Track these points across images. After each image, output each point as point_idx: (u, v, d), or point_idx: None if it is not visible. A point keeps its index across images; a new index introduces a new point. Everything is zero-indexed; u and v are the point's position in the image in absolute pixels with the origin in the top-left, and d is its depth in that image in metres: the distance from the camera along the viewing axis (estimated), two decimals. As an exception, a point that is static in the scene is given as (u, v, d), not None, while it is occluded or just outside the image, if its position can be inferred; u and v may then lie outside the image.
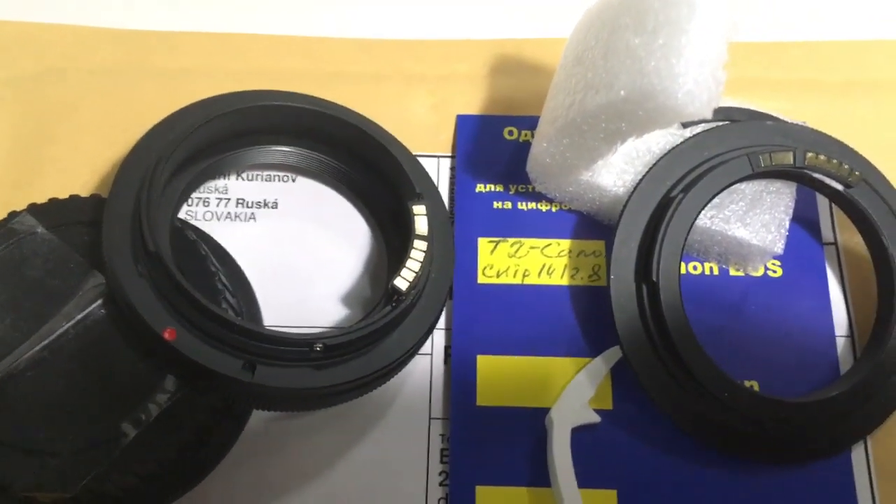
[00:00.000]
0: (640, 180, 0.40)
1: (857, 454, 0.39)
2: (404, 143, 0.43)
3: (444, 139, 0.45)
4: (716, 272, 0.42)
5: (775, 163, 0.39)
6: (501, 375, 0.40)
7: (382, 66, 0.47)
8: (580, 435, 0.39)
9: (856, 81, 0.47)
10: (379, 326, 0.36)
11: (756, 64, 0.47)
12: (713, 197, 0.39)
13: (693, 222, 0.38)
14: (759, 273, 0.42)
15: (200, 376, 0.34)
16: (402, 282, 0.37)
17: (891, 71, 0.48)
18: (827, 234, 0.43)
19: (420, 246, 0.38)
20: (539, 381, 0.40)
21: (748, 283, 0.42)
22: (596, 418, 0.39)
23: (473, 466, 0.38)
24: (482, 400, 0.40)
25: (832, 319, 0.42)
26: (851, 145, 0.44)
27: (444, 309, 0.41)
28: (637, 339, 0.38)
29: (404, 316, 0.38)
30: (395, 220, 0.42)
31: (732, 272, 0.42)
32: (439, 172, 0.45)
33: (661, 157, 0.40)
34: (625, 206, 0.39)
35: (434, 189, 0.42)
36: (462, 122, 0.46)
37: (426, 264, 0.38)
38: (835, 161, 0.39)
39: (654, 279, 0.38)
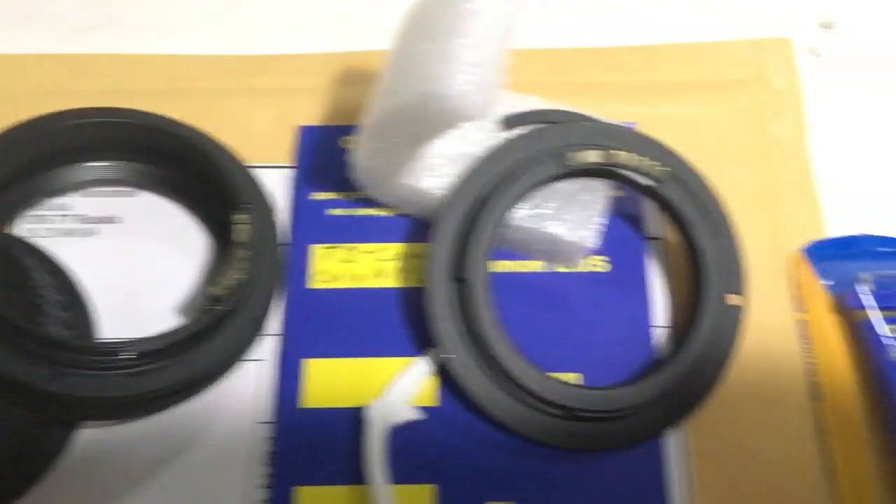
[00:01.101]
0: (456, 182, 0.41)
1: (676, 439, 0.40)
2: (247, 156, 0.45)
3: (286, 150, 0.47)
4: (541, 269, 0.44)
5: (583, 161, 0.40)
6: (329, 378, 0.41)
7: (227, 82, 0.48)
8: (404, 432, 0.40)
9: (684, 82, 0.49)
10: (192, 332, 0.37)
11: (590, 68, 0.49)
12: (523, 195, 0.40)
13: (500, 220, 0.40)
14: (586, 269, 0.44)
15: (8, 387, 0.35)
16: (216, 289, 0.38)
17: (715, 72, 0.49)
18: (656, 229, 0.45)
19: (239, 254, 0.39)
20: (367, 381, 0.41)
21: (574, 278, 0.43)
22: (416, 415, 0.40)
23: (295, 468, 0.39)
24: (307, 402, 0.41)
25: (653, 312, 0.43)
26: (677, 143, 0.46)
27: (279, 315, 0.42)
28: (453, 337, 0.40)
29: (224, 322, 0.39)
30: (226, 229, 0.43)
31: (558, 268, 0.44)
32: (280, 183, 0.46)
33: (480, 158, 0.41)
34: (441, 208, 0.41)
35: (264, 198, 0.43)
36: (303, 132, 0.47)
37: (243, 272, 0.39)
38: (642, 158, 0.40)
39: (464, 277, 0.39)
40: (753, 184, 0.46)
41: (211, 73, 0.49)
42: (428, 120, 0.35)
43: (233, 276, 0.39)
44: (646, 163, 0.40)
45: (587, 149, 0.40)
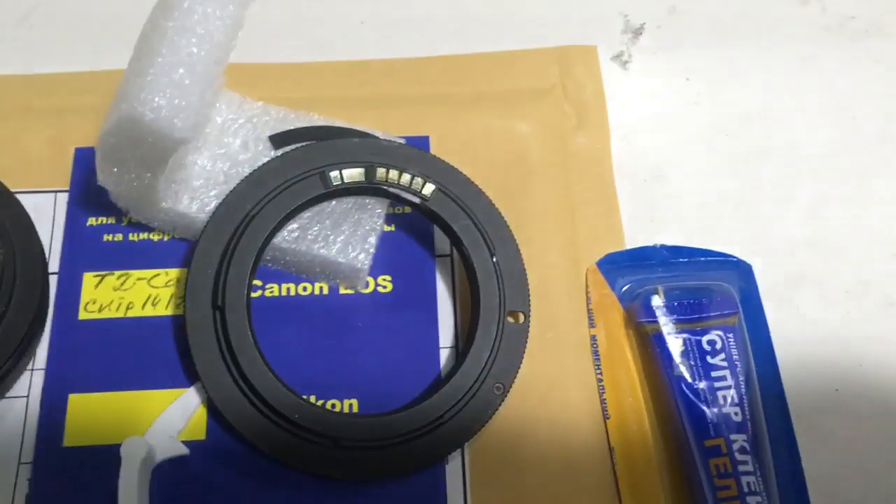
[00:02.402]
0: (220, 205, 0.39)
1: (454, 463, 0.39)
2: (22, 180, 0.43)
3: (62, 174, 0.44)
4: (326, 291, 0.42)
5: (347, 181, 0.39)
6: (95, 413, 0.39)
7: (2, 103, 0.46)
8: (169, 467, 0.38)
9: (484, 93, 0.47)
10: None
11: (385, 80, 0.48)
12: (287, 216, 0.39)
13: (263, 243, 0.38)
14: (370, 289, 0.42)
15: None
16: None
17: (516, 82, 0.48)
18: (443, 246, 0.43)
19: (-20, 286, 0.37)
20: (135, 416, 0.39)
21: (357, 300, 0.42)
22: (180, 450, 0.38)
23: (52, 510, 0.37)
24: (70, 440, 0.39)
25: (438, 331, 0.41)
26: (474, 156, 0.45)
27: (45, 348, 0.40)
28: (214, 367, 0.38)
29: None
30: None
31: (342, 290, 0.42)
32: (55, 208, 0.44)
33: (243, 180, 0.40)
34: (202, 232, 0.39)
35: (24, 226, 0.41)
36: (80, 154, 0.45)
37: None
38: (406, 175, 0.39)
39: (220, 304, 0.37)
40: (554, 196, 0.45)
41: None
42: (136, 140, 0.33)
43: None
44: (412, 180, 0.39)
45: (351, 166, 0.39)
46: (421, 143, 0.44)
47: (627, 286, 0.43)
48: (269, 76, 0.47)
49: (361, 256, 0.40)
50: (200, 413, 0.39)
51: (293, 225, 0.40)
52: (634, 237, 0.45)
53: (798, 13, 0.52)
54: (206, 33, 0.33)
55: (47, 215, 0.43)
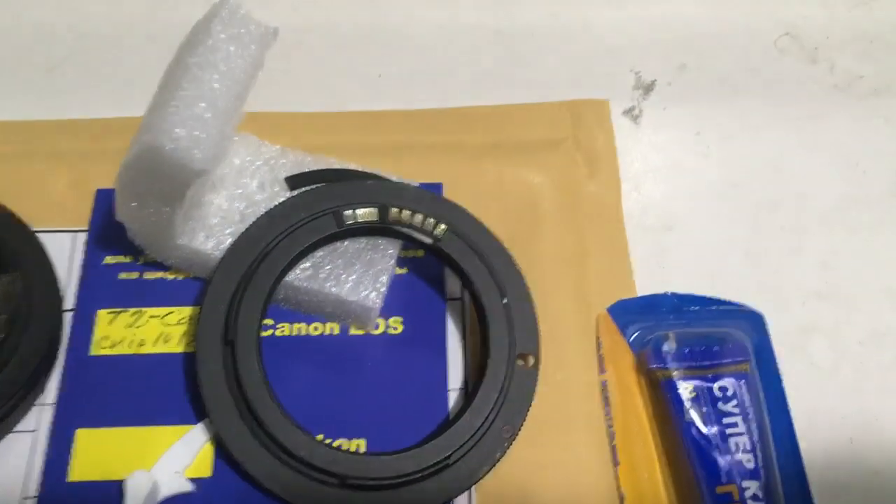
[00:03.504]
0: (235, 241, 0.40)
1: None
2: (44, 220, 0.44)
3: (82, 214, 0.45)
4: (336, 332, 0.42)
5: (360, 219, 0.39)
6: (102, 448, 0.39)
7: (24, 146, 0.47)
8: (175, 505, 0.38)
9: (497, 143, 0.48)
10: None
11: (401, 129, 0.48)
12: (300, 255, 0.39)
13: (276, 281, 0.39)
14: (380, 331, 0.42)
15: None
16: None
17: (529, 132, 0.49)
18: (455, 289, 0.44)
19: (-6, 316, 0.38)
20: (142, 451, 0.39)
21: (367, 341, 0.42)
22: (186, 486, 0.38)
23: (52, 546, 0.37)
24: (75, 475, 0.38)
25: (447, 373, 0.41)
26: (487, 203, 0.45)
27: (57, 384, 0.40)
28: (223, 403, 0.38)
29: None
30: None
31: (353, 331, 0.42)
32: (74, 246, 0.44)
33: (258, 219, 0.40)
34: (216, 269, 0.39)
35: (41, 262, 0.41)
36: (100, 196, 0.46)
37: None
38: (419, 215, 0.39)
39: (231, 339, 0.38)
40: (565, 243, 0.46)
41: (9, 139, 0.48)
42: (155, 171, 0.34)
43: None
44: (425, 221, 0.39)
45: (365, 206, 0.39)
46: (434, 190, 0.45)
47: (638, 332, 0.43)
48: (289, 124, 0.48)
49: (373, 296, 0.40)
50: (207, 450, 0.39)
51: (306, 263, 0.40)
52: (645, 285, 0.45)
53: (807, 71, 0.53)
54: (227, 70, 0.34)
55: (66, 253, 0.44)
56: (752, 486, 0.38)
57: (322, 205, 0.40)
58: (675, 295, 0.44)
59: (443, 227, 0.39)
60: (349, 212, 0.39)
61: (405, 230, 0.39)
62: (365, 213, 0.39)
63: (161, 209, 0.36)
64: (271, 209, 0.40)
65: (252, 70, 0.35)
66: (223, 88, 0.33)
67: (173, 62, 0.34)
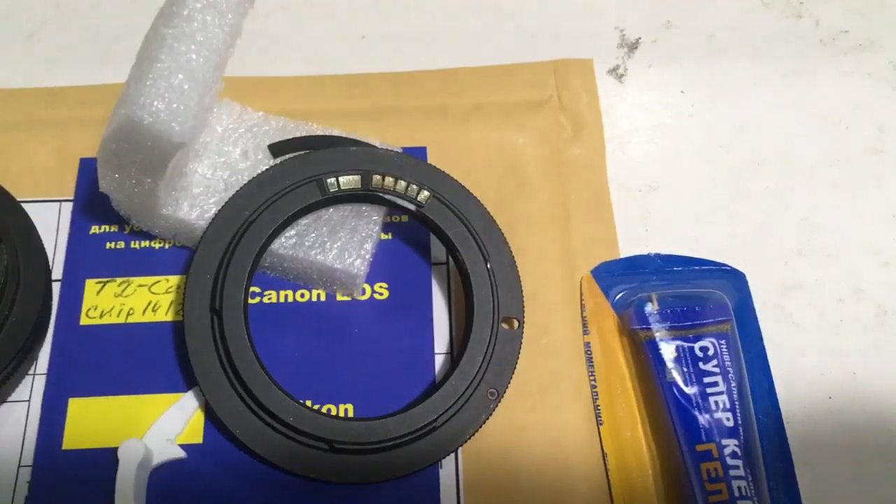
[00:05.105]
0: (219, 211, 0.40)
1: (448, 468, 0.39)
2: (29, 190, 0.44)
3: (67, 183, 0.45)
4: (323, 298, 0.43)
5: (343, 187, 0.39)
6: (94, 417, 0.40)
7: (4, 115, 0.47)
8: (166, 471, 0.39)
9: (481, 105, 0.48)
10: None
11: (385, 92, 0.48)
12: (284, 223, 0.39)
13: (261, 249, 0.39)
14: (366, 297, 0.43)
15: None
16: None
17: (512, 94, 0.49)
18: (440, 254, 0.44)
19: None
20: (134, 420, 0.40)
21: (354, 306, 0.43)
22: (177, 453, 0.39)
23: (51, 513, 0.38)
24: (69, 444, 0.39)
25: (433, 337, 0.42)
26: (470, 166, 0.45)
27: (48, 354, 0.41)
28: (212, 372, 0.38)
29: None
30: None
31: (339, 297, 0.43)
32: (60, 216, 0.45)
33: (242, 187, 0.40)
34: (202, 238, 0.40)
35: (28, 234, 0.41)
36: (84, 165, 0.46)
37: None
38: (402, 182, 0.40)
39: (218, 307, 0.38)
40: (549, 205, 0.46)
41: (-7, 107, 0.48)
42: (135, 144, 0.34)
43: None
44: (408, 188, 0.39)
45: (348, 173, 0.39)
46: (418, 154, 0.45)
47: (621, 294, 0.44)
48: (270, 89, 0.48)
49: (357, 262, 0.40)
50: (198, 417, 0.40)
51: (291, 232, 0.41)
52: (628, 246, 0.45)
53: (792, 27, 0.52)
54: (204, 40, 0.33)
55: (52, 224, 0.44)
56: (730, 444, 0.38)
57: (305, 173, 0.40)
58: (658, 256, 0.44)
59: (426, 193, 0.40)
60: (332, 180, 0.39)
61: (389, 197, 0.40)
62: (348, 181, 0.39)
63: (143, 180, 0.36)
64: (254, 178, 0.40)
65: (230, 39, 0.35)
66: (201, 59, 0.33)
67: (150, 32, 0.34)
